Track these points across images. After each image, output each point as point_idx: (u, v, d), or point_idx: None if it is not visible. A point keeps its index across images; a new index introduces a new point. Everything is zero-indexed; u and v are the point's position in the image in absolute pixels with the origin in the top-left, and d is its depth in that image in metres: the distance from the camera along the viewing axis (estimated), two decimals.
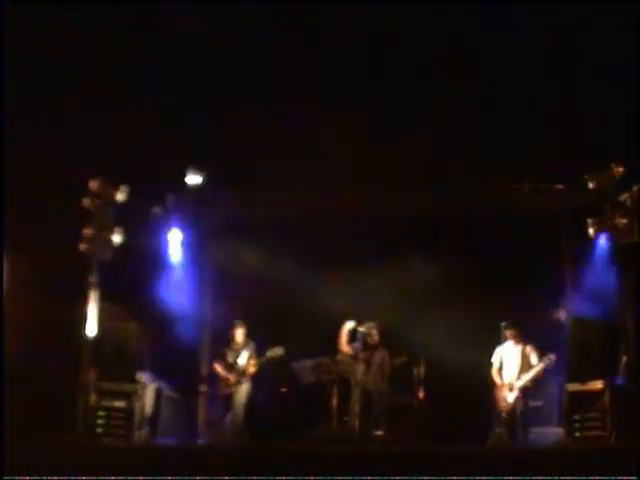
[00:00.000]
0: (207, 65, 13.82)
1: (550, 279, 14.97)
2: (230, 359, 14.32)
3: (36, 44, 13.00)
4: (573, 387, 12.98)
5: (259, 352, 14.30)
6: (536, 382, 13.44)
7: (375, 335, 14.08)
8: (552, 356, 13.21)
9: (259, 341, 14.50)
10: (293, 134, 14.02)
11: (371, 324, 14.07)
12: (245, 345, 14.40)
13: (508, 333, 13.68)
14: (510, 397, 13.35)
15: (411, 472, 10.05)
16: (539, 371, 13.31)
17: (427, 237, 15.44)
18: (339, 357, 14.23)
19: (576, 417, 12.80)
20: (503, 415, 13.43)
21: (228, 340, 14.51)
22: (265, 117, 13.97)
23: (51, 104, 13.47)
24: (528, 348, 13.52)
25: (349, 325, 14.10)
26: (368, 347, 14.04)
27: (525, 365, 13.43)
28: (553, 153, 13.96)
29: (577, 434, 12.73)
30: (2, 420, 10.87)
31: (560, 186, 15.03)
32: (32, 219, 13.34)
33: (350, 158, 13.99)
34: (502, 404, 13.43)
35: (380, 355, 14.00)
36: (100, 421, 12.90)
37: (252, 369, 14.17)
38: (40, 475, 10.09)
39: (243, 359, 14.27)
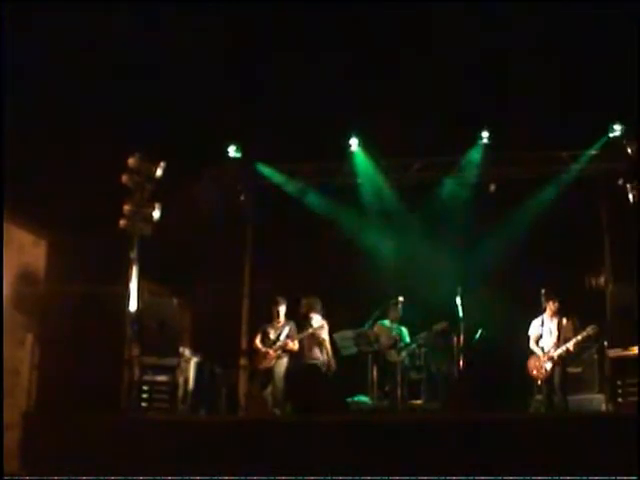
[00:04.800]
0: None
1: (590, 246, 14.97)
2: (272, 335, 14.35)
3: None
4: (614, 353, 12.97)
5: (299, 328, 14.37)
6: (574, 352, 13.32)
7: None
8: (591, 329, 13.11)
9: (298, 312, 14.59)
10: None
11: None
12: (286, 322, 14.44)
13: (547, 304, 13.52)
14: (548, 365, 13.27)
15: (450, 441, 10.11)
16: (578, 342, 13.17)
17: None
18: (377, 329, 14.42)
19: (618, 383, 12.79)
20: (539, 383, 13.37)
21: (270, 316, 14.54)
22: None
23: (85, 81, 13.58)
24: (565, 320, 13.37)
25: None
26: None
27: (563, 337, 13.28)
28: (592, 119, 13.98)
29: (619, 400, 12.72)
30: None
31: (596, 151, 15.08)
32: (72, 197, 13.47)
33: None
34: (538, 373, 13.34)
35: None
36: (144, 395, 13.06)
37: (293, 346, 14.21)
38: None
39: (284, 336, 14.31)
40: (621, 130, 14.53)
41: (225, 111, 14.33)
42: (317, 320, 14.19)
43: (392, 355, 14.20)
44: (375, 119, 14.42)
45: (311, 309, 14.26)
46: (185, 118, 14.14)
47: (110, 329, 12.91)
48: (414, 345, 14.25)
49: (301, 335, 14.12)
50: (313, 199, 16.04)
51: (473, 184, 15.79)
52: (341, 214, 16.04)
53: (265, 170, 15.87)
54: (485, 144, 15.37)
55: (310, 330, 14.10)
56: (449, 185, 15.89)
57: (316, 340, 14.13)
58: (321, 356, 14.15)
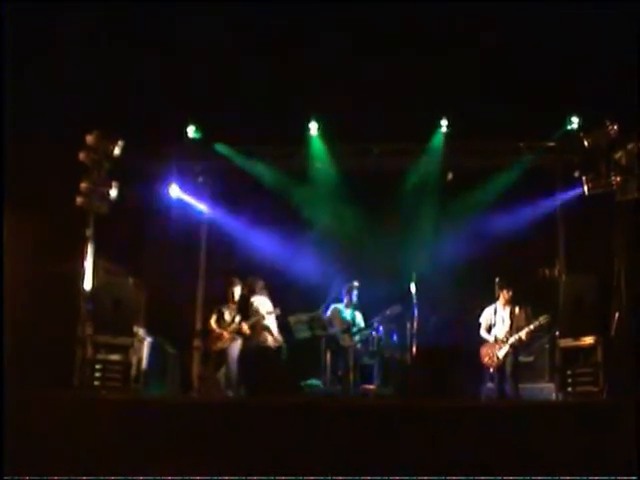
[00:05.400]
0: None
1: (544, 236, 15.12)
2: (227, 317, 14.37)
3: None
4: (565, 342, 13.12)
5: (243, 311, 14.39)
6: (526, 341, 13.42)
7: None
8: (543, 319, 13.22)
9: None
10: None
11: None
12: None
13: (501, 293, 13.64)
14: (500, 353, 13.36)
15: (401, 427, 10.13)
16: (530, 332, 13.27)
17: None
18: (330, 313, 14.48)
19: (568, 372, 12.96)
20: (491, 371, 13.49)
21: (226, 297, 14.54)
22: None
23: (48, 54, 13.46)
24: (517, 309, 13.48)
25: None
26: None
27: (515, 325, 13.40)
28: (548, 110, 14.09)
29: (569, 389, 12.89)
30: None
31: (553, 143, 15.21)
32: (29, 173, 13.36)
33: None
34: (490, 360, 13.45)
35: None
36: (97, 374, 13.02)
37: (247, 330, 14.22)
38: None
39: (239, 317, 14.32)
40: (578, 122, 14.67)
41: (185, 91, 14.26)
42: (261, 302, 14.23)
43: (345, 340, 14.26)
44: (335, 104, 14.41)
45: (252, 291, 14.30)
46: (144, 97, 14.05)
47: (64, 307, 12.87)
48: (368, 330, 14.32)
49: (252, 321, 14.14)
50: (270, 181, 16.02)
51: (431, 172, 15.84)
52: (298, 197, 16.04)
53: (223, 151, 15.81)
54: (444, 132, 15.43)
55: (259, 316, 14.13)
56: (407, 172, 15.91)
57: (262, 324, 14.18)
58: (270, 339, 14.19)
